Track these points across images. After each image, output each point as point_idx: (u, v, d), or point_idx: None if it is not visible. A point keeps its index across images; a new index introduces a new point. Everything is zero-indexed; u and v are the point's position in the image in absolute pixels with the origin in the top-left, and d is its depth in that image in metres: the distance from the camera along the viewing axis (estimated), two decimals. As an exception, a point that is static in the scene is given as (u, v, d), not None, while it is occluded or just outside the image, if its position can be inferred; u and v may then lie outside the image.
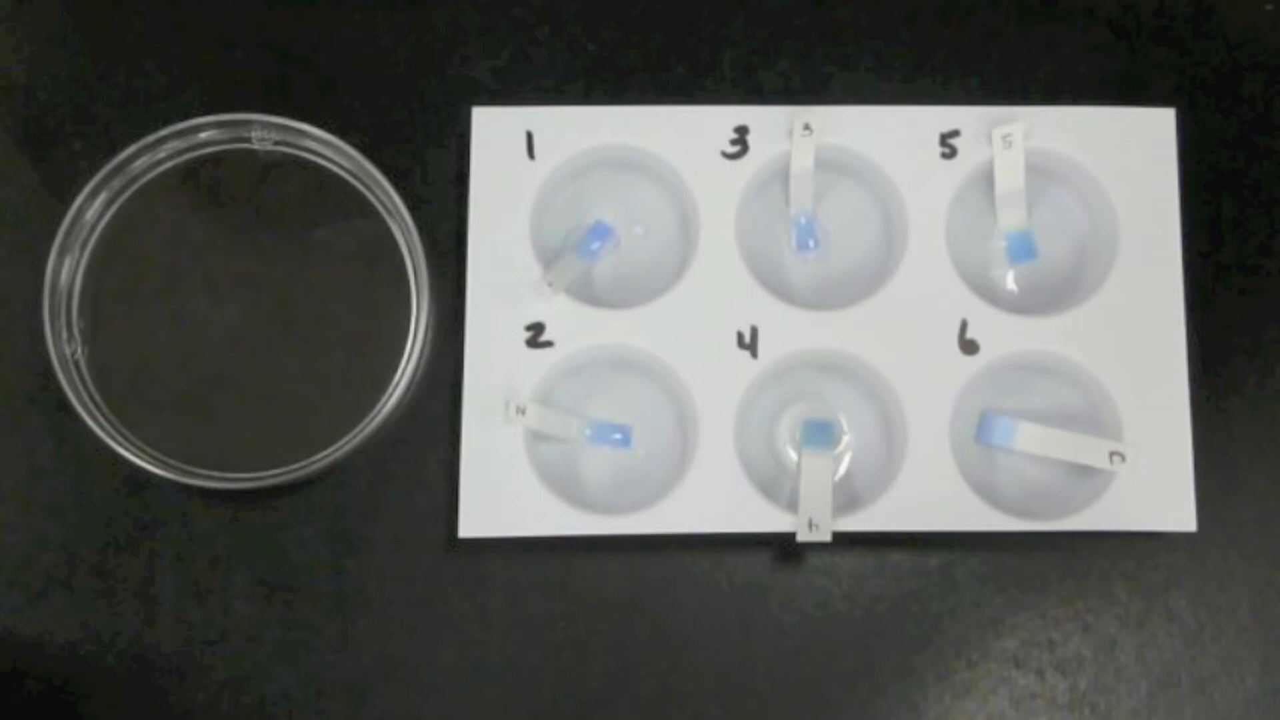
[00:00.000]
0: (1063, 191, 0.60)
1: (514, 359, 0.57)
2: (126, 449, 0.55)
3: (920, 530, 0.56)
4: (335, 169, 0.59)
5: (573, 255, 0.57)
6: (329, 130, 0.57)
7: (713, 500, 0.56)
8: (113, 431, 0.56)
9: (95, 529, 0.57)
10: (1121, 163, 0.59)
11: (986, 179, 0.59)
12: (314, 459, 0.56)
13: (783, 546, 0.58)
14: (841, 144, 0.58)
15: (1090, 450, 0.57)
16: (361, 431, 0.56)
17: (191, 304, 0.58)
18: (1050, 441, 0.57)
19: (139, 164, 0.58)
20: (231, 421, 0.57)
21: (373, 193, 0.58)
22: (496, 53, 0.61)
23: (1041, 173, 0.59)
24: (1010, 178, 0.58)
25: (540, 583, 0.57)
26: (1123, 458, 0.56)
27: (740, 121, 0.58)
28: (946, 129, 0.59)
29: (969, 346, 0.57)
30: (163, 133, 0.57)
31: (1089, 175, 0.59)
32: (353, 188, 0.59)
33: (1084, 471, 0.57)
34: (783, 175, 0.59)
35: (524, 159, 0.58)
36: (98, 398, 0.57)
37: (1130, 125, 0.59)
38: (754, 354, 0.57)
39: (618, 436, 0.57)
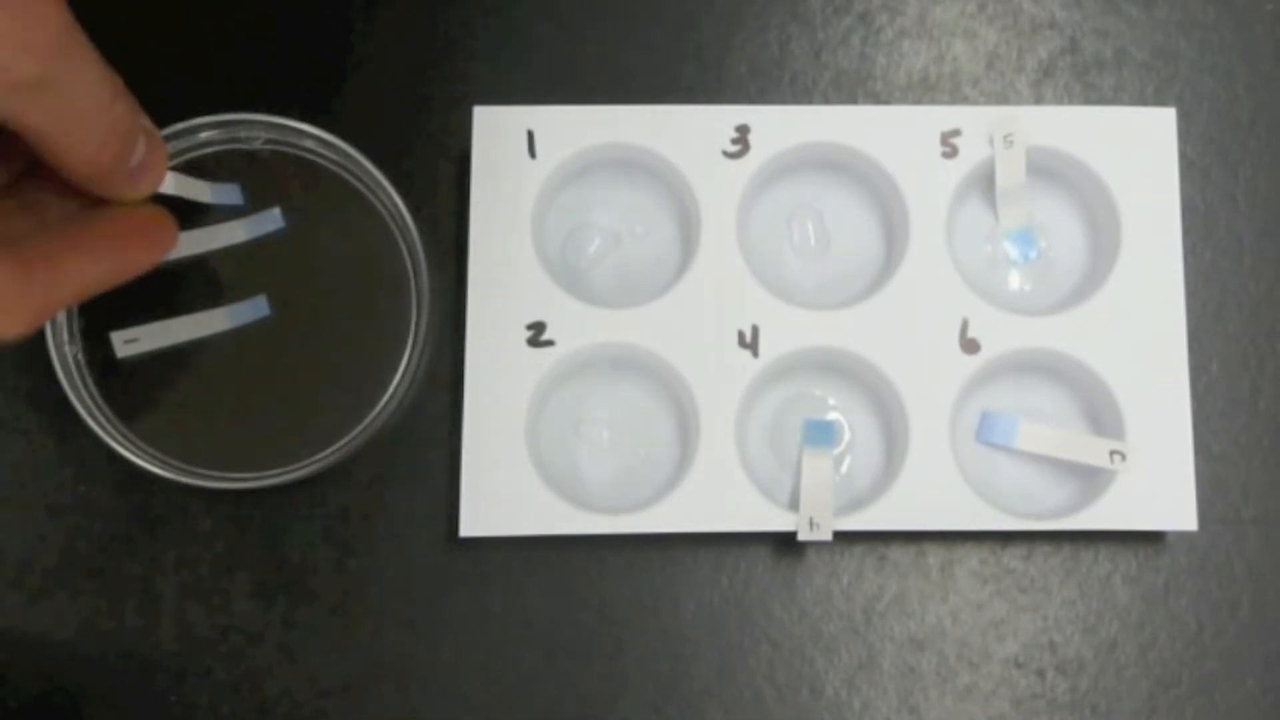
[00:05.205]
0: (1063, 191, 0.60)
1: (514, 358, 0.57)
2: (126, 449, 0.55)
3: (920, 530, 0.56)
4: (335, 169, 0.59)
5: None
6: (329, 130, 0.57)
7: (713, 500, 0.56)
8: (113, 431, 0.56)
9: (95, 529, 0.57)
10: (1121, 163, 0.59)
11: (987, 178, 0.59)
12: (314, 459, 0.56)
13: (783, 546, 0.57)
14: (842, 143, 0.58)
15: (1091, 450, 0.57)
16: (362, 432, 0.56)
17: (191, 304, 0.58)
18: (1051, 441, 0.57)
19: (139, 164, 0.58)
20: (232, 421, 0.57)
21: (373, 193, 0.58)
22: (497, 52, 0.61)
23: (1042, 172, 0.59)
24: (1011, 177, 0.58)
25: (541, 582, 0.57)
26: (1123, 457, 0.56)
27: (741, 120, 0.58)
28: (948, 128, 0.59)
29: (970, 346, 0.57)
30: (163, 133, 0.57)
31: (1089, 175, 0.59)
32: (353, 188, 0.59)
33: (1084, 471, 0.57)
34: (784, 174, 0.59)
35: (525, 158, 0.58)
36: (98, 398, 0.57)
37: (1130, 125, 0.59)
38: (755, 353, 0.57)
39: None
